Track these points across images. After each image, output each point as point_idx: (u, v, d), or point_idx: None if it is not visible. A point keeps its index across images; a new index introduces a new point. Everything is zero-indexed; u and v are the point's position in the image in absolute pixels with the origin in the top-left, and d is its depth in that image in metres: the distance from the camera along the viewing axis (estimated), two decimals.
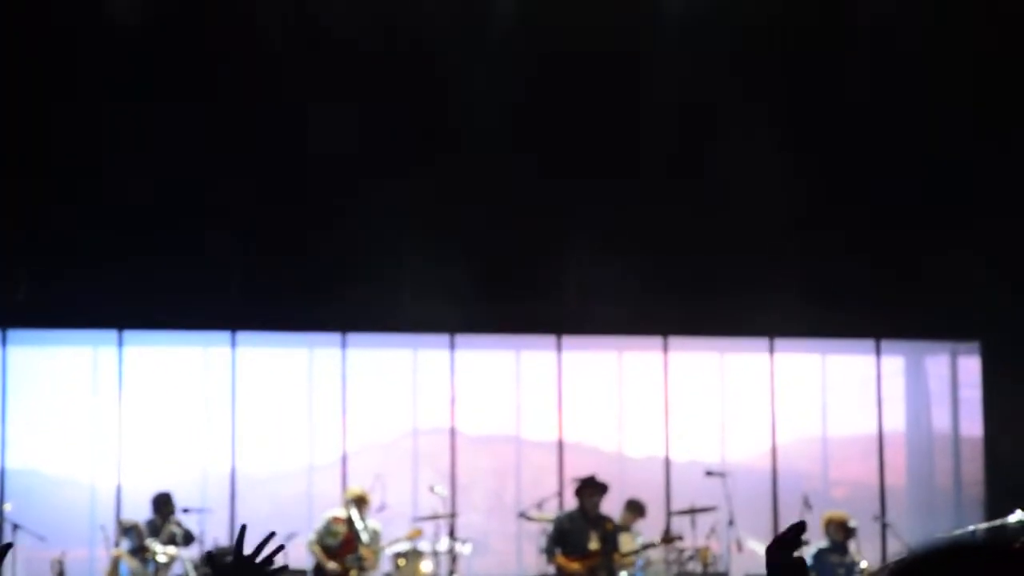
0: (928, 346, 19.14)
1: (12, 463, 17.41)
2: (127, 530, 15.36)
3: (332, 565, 15.10)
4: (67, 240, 17.21)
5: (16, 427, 17.47)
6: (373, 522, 15.43)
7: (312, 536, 15.33)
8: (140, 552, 15.14)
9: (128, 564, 15.12)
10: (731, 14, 17.67)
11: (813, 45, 18.08)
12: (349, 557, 15.05)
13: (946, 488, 19.02)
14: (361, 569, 15.07)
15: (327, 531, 15.23)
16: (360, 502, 15.34)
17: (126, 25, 17.08)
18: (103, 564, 15.57)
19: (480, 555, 16.79)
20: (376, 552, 15.28)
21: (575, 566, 14.54)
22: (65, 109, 17.21)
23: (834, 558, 14.20)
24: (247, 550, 4.25)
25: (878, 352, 18.74)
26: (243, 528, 4.28)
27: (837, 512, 14.83)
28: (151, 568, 15.10)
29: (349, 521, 15.21)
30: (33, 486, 17.37)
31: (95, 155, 17.23)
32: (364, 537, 15.11)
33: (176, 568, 15.33)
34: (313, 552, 15.24)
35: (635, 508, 16.14)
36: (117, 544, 15.51)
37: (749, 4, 17.78)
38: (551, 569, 14.82)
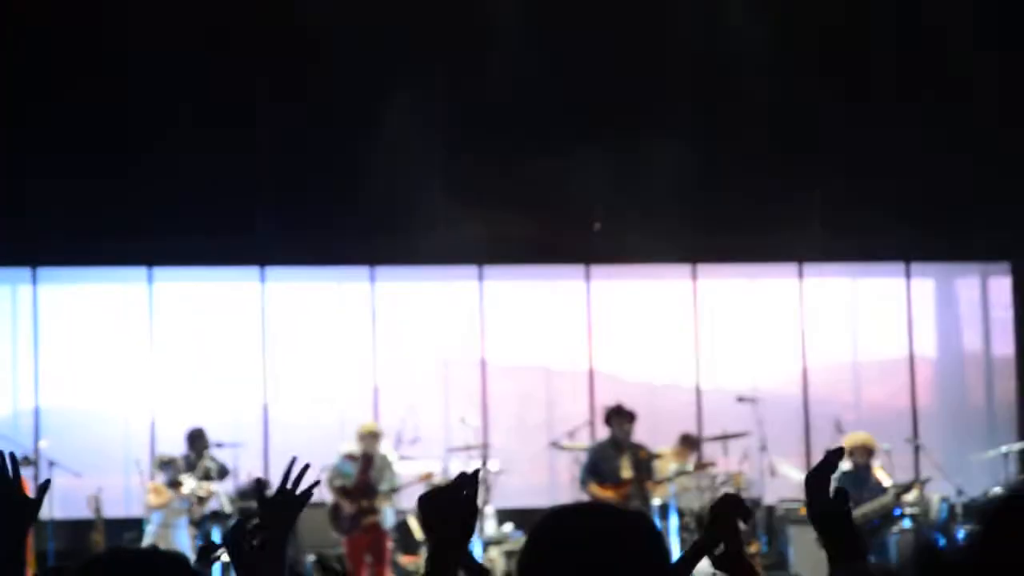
0: (958, 268, 19.07)
1: (46, 401, 17.54)
2: (164, 464, 15.46)
3: (347, 505, 14.94)
4: (94, 178, 17.21)
5: (49, 365, 17.58)
6: (387, 454, 15.29)
7: (327, 475, 15.19)
8: (175, 486, 15.25)
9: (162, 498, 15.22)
10: None
11: None
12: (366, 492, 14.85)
13: (978, 409, 19.00)
14: (376, 506, 14.87)
15: (339, 471, 15.06)
16: (372, 437, 15.16)
17: None
18: (138, 494, 15.72)
19: (508, 476, 16.76)
20: (391, 489, 15.04)
21: (608, 494, 14.59)
22: (91, 50, 17.20)
23: (859, 481, 14.12)
24: (284, 483, 4.28)
25: (908, 275, 18.68)
26: (293, 460, 4.30)
27: (858, 435, 14.67)
28: (184, 504, 15.18)
29: (364, 458, 15.06)
30: (67, 423, 17.50)
31: (119, 92, 17.21)
32: (380, 477, 14.93)
33: (212, 503, 15.43)
34: (330, 490, 15.14)
35: (688, 442, 16.17)
36: (152, 477, 15.63)
37: None
38: (585, 497, 14.87)
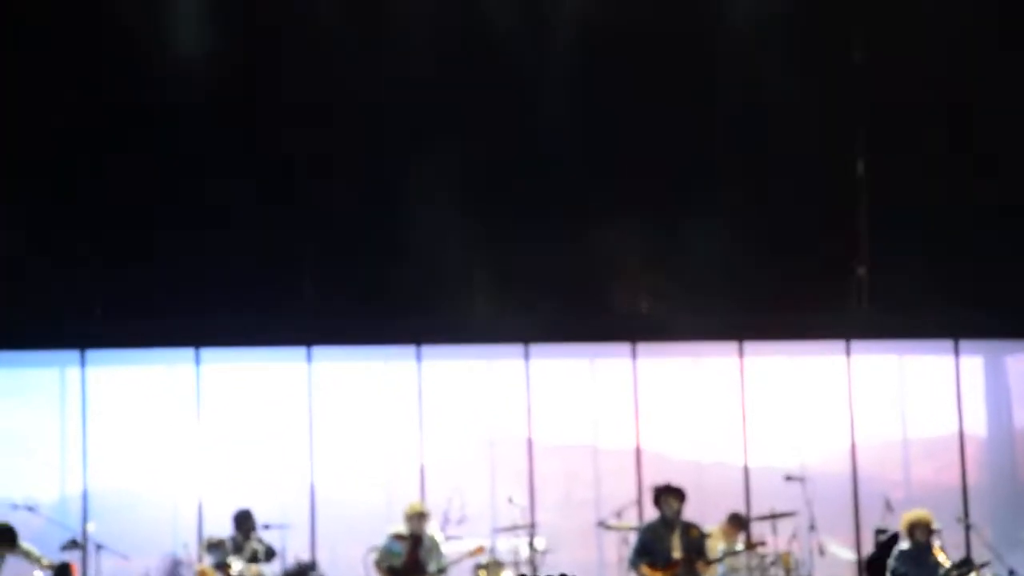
0: (1007, 345, 18.94)
1: (94, 484, 17.55)
2: (211, 547, 15.44)
3: None
4: (142, 261, 17.33)
5: (97, 447, 17.60)
6: (435, 534, 15.27)
7: (375, 556, 15.22)
8: (223, 568, 15.23)
9: None
10: None
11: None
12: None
13: None
14: None
15: (388, 551, 15.05)
16: (419, 517, 15.19)
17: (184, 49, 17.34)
18: None
19: (556, 555, 16.68)
20: (439, 570, 15.01)
21: (658, 575, 14.47)
22: (140, 132, 17.40)
23: (918, 559, 13.94)
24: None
25: (956, 352, 18.57)
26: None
27: (919, 512, 14.45)
28: None
29: (412, 538, 15.03)
30: (115, 505, 17.50)
31: (170, 179, 17.37)
32: (428, 557, 14.92)
33: None
34: (379, 570, 15.11)
35: (737, 521, 16.04)
36: (200, 560, 15.61)
37: None
38: None
